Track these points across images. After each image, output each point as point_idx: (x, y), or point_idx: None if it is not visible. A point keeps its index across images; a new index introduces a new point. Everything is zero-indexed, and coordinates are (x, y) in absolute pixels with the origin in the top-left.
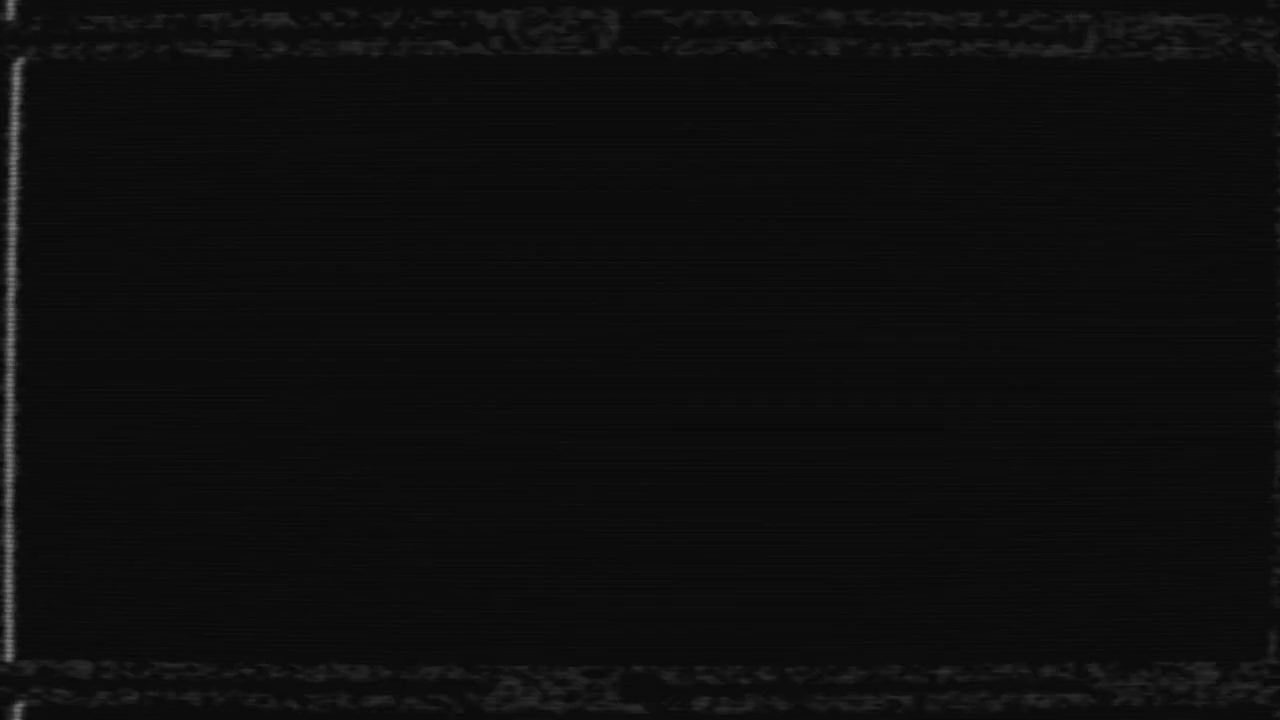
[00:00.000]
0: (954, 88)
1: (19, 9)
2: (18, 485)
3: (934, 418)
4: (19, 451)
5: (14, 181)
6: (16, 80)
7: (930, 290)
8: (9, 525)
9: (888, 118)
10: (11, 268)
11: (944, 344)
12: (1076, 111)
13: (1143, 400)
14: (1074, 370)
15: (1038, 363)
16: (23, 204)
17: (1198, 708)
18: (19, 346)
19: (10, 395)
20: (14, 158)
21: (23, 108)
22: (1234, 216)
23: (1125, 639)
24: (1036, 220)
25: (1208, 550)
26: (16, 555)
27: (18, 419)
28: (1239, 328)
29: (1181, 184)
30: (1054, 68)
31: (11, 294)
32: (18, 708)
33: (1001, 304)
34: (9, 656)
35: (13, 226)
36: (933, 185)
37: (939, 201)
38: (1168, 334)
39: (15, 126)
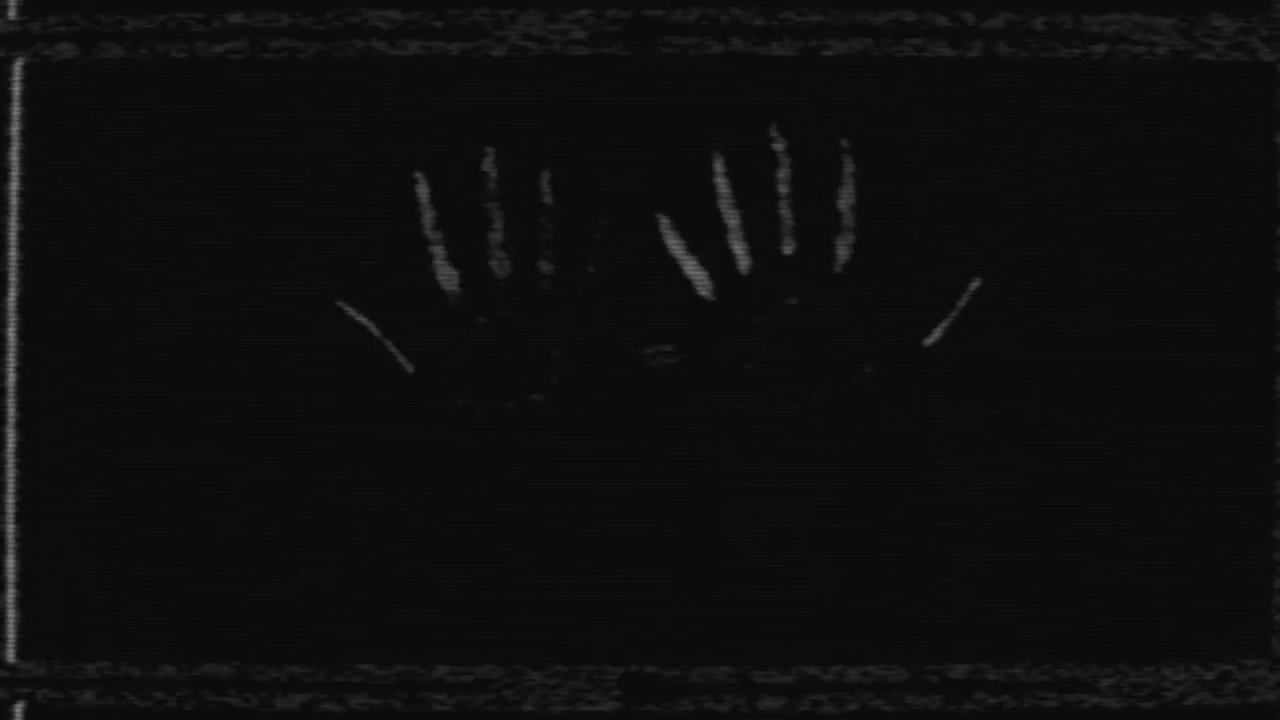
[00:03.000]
0: (952, 87)
1: (20, 9)
2: (19, 485)
3: (931, 417)
4: (20, 451)
5: (15, 182)
6: (17, 80)
7: (928, 289)
8: (10, 525)
9: (885, 117)
10: (13, 268)
11: (941, 342)
12: (1074, 111)
13: (1142, 400)
14: (1073, 370)
15: (1036, 362)
16: (24, 204)
17: (1198, 708)
18: (20, 347)
19: (12, 395)
20: (15, 158)
21: (23, 108)
22: (1234, 218)
23: (1125, 639)
24: (1033, 219)
25: (1209, 550)
26: (18, 555)
27: (19, 419)
28: (1239, 327)
29: (1181, 184)
30: (1052, 67)
31: (14, 294)
32: (18, 708)
33: (998, 303)
34: (10, 657)
35: (14, 226)
36: (930, 184)
37: (936, 200)
38: (1167, 333)
39: (16, 126)
